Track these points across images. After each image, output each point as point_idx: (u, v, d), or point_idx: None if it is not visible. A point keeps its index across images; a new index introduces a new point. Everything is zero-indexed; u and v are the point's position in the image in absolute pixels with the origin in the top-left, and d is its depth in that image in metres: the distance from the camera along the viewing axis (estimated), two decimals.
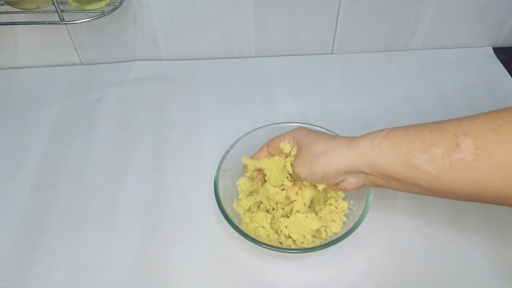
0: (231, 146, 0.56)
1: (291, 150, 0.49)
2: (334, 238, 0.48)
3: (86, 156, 0.64)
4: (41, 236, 0.55)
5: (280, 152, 0.51)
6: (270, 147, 0.52)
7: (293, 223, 0.49)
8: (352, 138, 0.43)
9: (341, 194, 0.54)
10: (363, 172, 0.42)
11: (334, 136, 0.46)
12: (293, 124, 0.57)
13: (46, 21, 0.64)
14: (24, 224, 0.57)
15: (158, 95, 0.73)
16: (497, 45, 0.81)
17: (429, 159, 0.37)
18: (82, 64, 0.79)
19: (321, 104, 0.71)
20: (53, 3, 0.58)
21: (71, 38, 0.75)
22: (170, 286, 0.51)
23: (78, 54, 0.78)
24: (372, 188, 0.49)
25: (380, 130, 0.41)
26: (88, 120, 0.70)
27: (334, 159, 0.43)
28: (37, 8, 0.61)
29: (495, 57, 0.79)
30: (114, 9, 0.62)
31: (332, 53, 0.80)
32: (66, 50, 0.77)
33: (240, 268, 0.52)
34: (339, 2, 0.72)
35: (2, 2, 0.62)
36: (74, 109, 0.71)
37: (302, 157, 0.46)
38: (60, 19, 0.60)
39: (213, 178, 0.53)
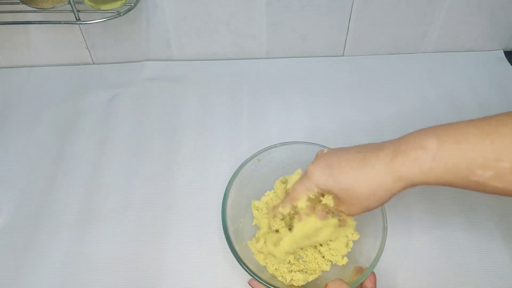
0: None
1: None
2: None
3: (98, 156, 0.65)
4: (55, 234, 0.56)
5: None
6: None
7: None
8: (392, 163, 0.36)
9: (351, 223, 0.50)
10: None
11: (369, 163, 0.38)
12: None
13: (62, 21, 0.64)
14: (36, 223, 0.57)
15: (170, 96, 0.74)
16: (508, 49, 0.81)
17: (494, 175, 0.33)
18: (94, 63, 0.79)
19: (332, 106, 0.72)
20: (70, 3, 0.58)
21: (83, 37, 0.75)
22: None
23: (90, 54, 0.78)
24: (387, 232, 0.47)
25: (423, 148, 0.35)
26: (99, 120, 0.70)
27: (386, 193, 0.38)
28: (53, 7, 0.61)
29: (506, 60, 0.79)
30: (129, 10, 0.62)
31: (343, 55, 0.80)
32: (78, 49, 0.77)
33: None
34: (352, 4, 0.72)
35: (18, 0, 0.62)
36: (85, 109, 0.71)
37: (350, 203, 0.40)
38: (76, 18, 0.60)
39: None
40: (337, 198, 0.41)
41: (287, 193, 0.46)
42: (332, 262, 0.50)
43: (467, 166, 0.33)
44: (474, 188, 0.35)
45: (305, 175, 0.43)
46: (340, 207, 0.42)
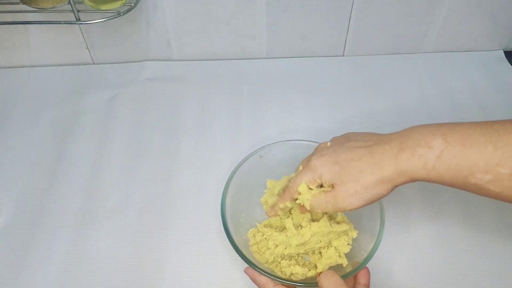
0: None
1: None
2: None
3: (98, 156, 0.65)
4: (55, 234, 0.56)
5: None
6: (289, 192, 0.45)
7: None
8: (397, 157, 0.38)
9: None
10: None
11: (375, 156, 0.39)
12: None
13: (62, 21, 0.64)
14: (36, 223, 0.57)
15: (170, 96, 0.74)
16: (508, 49, 0.81)
17: (492, 179, 0.34)
18: (94, 63, 0.79)
19: (332, 106, 0.72)
20: (70, 3, 0.58)
21: (83, 37, 0.75)
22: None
23: (90, 54, 0.78)
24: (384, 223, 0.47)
25: (430, 147, 0.36)
26: (99, 120, 0.70)
27: (388, 186, 0.39)
28: (53, 7, 0.61)
29: (506, 60, 0.79)
30: (129, 10, 0.62)
31: (343, 55, 0.80)
32: (78, 49, 0.77)
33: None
34: (352, 4, 0.72)
35: (18, 0, 0.62)
36: (85, 109, 0.71)
37: (348, 190, 0.40)
38: (76, 18, 0.60)
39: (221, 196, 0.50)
40: (335, 190, 0.41)
41: (283, 189, 0.46)
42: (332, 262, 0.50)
43: (468, 169, 0.35)
44: (470, 189, 0.36)
45: (307, 169, 0.43)
46: (349, 204, 0.41)
